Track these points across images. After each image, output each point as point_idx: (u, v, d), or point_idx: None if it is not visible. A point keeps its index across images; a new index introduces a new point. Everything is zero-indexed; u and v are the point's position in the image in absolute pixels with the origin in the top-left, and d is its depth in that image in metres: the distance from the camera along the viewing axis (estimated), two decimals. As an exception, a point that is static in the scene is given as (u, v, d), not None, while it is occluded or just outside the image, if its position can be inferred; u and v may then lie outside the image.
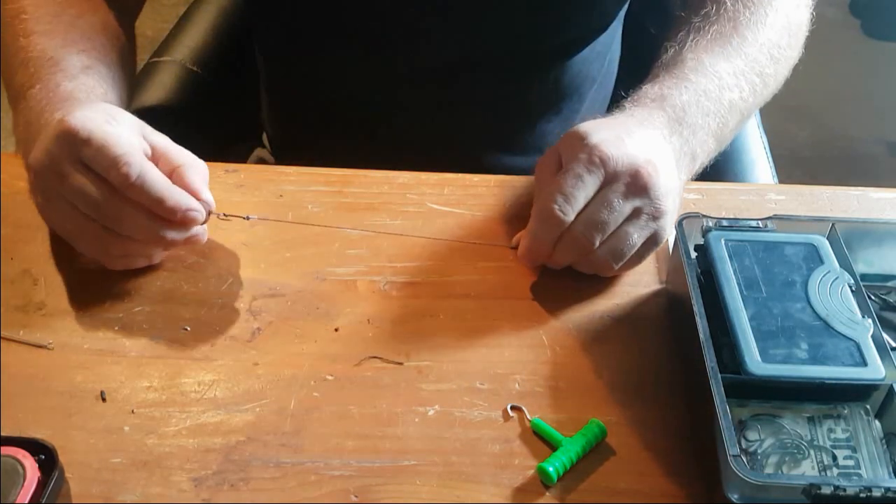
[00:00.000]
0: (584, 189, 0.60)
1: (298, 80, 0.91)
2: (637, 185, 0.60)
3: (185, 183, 0.60)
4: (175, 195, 0.59)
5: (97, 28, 0.73)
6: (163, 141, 0.62)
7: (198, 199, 0.60)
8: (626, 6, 0.86)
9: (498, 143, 0.88)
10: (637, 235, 0.61)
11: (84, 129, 0.58)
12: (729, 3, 0.74)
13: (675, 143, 0.65)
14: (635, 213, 0.61)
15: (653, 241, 0.63)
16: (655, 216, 0.61)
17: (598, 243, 0.61)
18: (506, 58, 0.83)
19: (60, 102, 0.64)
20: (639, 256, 0.63)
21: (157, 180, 0.59)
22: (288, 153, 0.99)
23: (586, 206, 0.60)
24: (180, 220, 0.59)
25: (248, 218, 0.65)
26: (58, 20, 0.71)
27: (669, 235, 0.64)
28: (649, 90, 0.68)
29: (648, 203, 0.61)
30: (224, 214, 0.65)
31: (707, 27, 0.73)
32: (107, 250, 0.62)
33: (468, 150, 0.86)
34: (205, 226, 0.62)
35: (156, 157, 0.61)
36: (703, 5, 0.75)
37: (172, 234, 0.61)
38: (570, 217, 0.60)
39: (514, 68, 0.84)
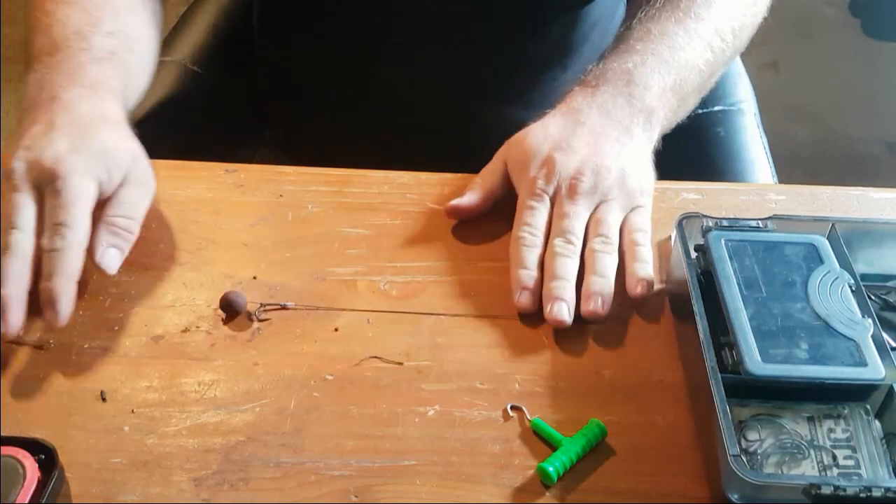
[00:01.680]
0: (540, 214, 0.65)
1: (297, 80, 0.91)
2: (585, 188, 0.65)
3: (92, 236, 0.60)
4: (64, 287, 0.58)
5: (130, 7, 0.73)
6: (133, 181, 0.63)
7: (91, 255, 0.60)
8: None
9: (500, 96, 0.88)
10: (612, 216, 0.65)
11: (65, 180, 0.59)
12: None
13: (619, 106, 0.68)
14: (598, 206, 0.65)
15: (637, 218, 0.66)
16: (609, 197, 0.65)
17: (577, 243, 0.63)
18: (509, 7, 0.82)
19: (81, 87, 0.65)
20: (636, 241, 0.65)
21: (68, 266, 0.58)
22: (288, 153, 0.99)
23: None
24: (42, 302, 0.58)
25: (284, 307, 0.63)
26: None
27: (644, 195, 0.67)
28: (594, 70, 0.71)
29: (600, 193, 0.65)
30: (261, 307, 0.63)
31: (656, 8, 0.74)
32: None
33: (468, 103, 0.85)
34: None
35: (114, 194, 0.63)
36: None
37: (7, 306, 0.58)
38: (539, 238, 0.64)
39: (518, 19, 0.83)
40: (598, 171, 0.65)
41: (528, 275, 0.63)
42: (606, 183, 0.65)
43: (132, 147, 0.65)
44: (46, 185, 0.60)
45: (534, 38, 0.84)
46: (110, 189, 0.62)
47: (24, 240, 0.59)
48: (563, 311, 0.61)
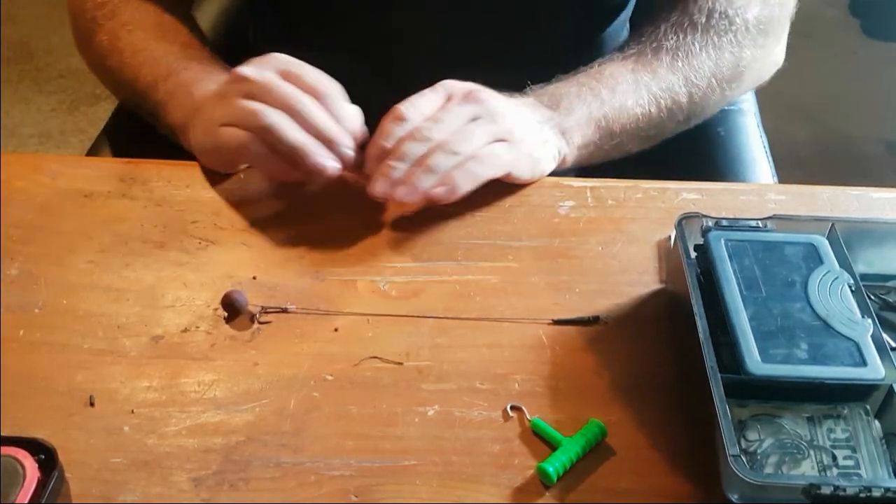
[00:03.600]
0: (428, 97, 0.68)
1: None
2: (473, 97, 0.68)
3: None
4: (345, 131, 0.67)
5: (187, 33, 0.80)
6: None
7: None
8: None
9: None
10: (479, 133, 0.67)
11: (301, 65, 0.69)
12: (663, 29, 0.78)
13: (541, 112, 0.73)
14: (475, 119, 0.68)
15: (502, 148, 0.68)
16: (495, 120, 0.68)
17: (433, 133, 0.65)
18: (508, 51, 0.83)
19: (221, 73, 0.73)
20: (494, 153, 0.68)
21: (356, 115, 0.68)
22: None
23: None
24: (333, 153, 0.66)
25: (285, 310, 0.64)
26: (150, 40, 0.78)
27: (519, 140, 0.69)
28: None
29: (486, 112, 0.68)
30: (262, 310, 0.63)
31: (632, 46, 0.78)
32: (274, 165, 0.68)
33: None
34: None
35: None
36: (644, 29, 0.79)
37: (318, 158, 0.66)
38: (413, 116, 0.66)
39: (520, 61, 0.84)
40: (490, 95, 0.69)
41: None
42: (491, 107, 0.69)
43: None
44: (297, 79, 0.67)
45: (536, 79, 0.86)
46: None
47: (287, 88, 0.68)
48: (383, 189, 0.66)
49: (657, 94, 0.75)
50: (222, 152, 0.69)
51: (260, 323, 0.62)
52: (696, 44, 0.77)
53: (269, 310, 0.63)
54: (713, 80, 0.78)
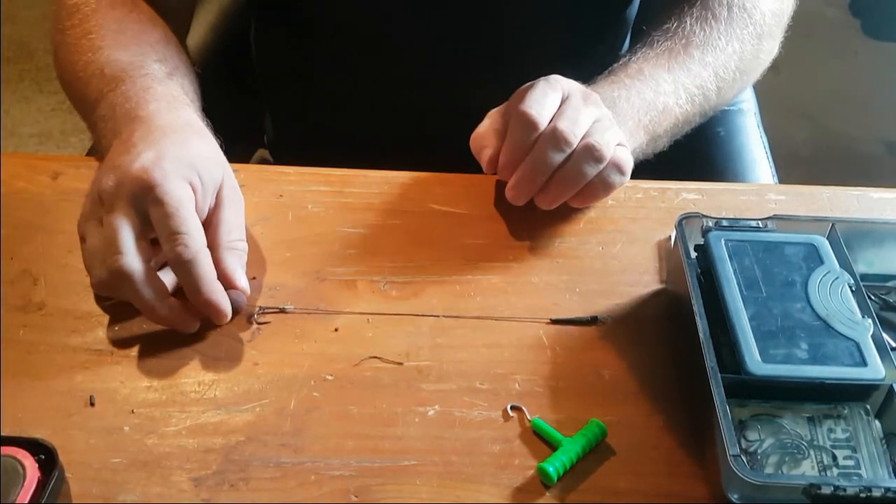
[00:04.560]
0: (550, 100, 0.65)
1: (297, 80, 0.91)
2: (590, 98, 0.67)
3: (220, 263, 0.59)
4: (215, 293, 0.58)
5: (161, 41, 0.74)
6: (227, 214, 0.61)
7: (232, 284, 0.60)
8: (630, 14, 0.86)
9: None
10: (609, 134, 0.65)
11: (165, 188, 0.57)
12: (689, 23, 0.78)
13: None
14: (598, 120, 0.66)
15: (625, 153, 0.67)
16: (613, 123, 0.67)
17: (575, 139, 0.64)
18: (508, 59, 0.83)
19: (157, 102, 0.65)
20: (623, 169, 0.66)
21: (205, 272, 0.58)
22: (288, 153, 0.99)
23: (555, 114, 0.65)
24: (207, 314, 0.59)
25: (283, 310, 0.63)
26: (122, 36, 0.72)
27: (629, 163, 0.67)
28: (594, 86, 0.73)
29: (605, 115, 0.67)
30: (260, 310, 0.63)
31: (661, 41, 0.78)
32: (110, 289, 0.60)
33: (473, 117, 0.86)
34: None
35: (213, 216, 0.61)
36: (666, 21, 0.79)
37: (180, 317, 0.59)
38: (545, 118, 0.64)
39: (518, 72, 0.84)
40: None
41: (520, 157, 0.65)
42: (608, 112, 0.68)
43: (220, 158, 0.64)
44: (143, 199, 0.57)
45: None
46: (204, 200, 0.60)
47: (131, 263, 0.56)
48: (525, 198, 0.66)
49: (693, 92, 0.76)
50: None
51: (258, 324, 0.62)
52: (721, 38, 0.78)
53: (266, 310, 0.63)
54: (737, 73, 0.79)
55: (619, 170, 0.66)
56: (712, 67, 0.77)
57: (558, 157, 0.64)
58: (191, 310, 0.59)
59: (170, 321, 0.59)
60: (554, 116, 0.65)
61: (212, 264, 0.58)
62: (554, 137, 0.63)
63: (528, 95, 0.65)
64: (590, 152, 0.64)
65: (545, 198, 0.66)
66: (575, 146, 0.64)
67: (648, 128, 0.73)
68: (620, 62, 0.77)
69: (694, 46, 0.77)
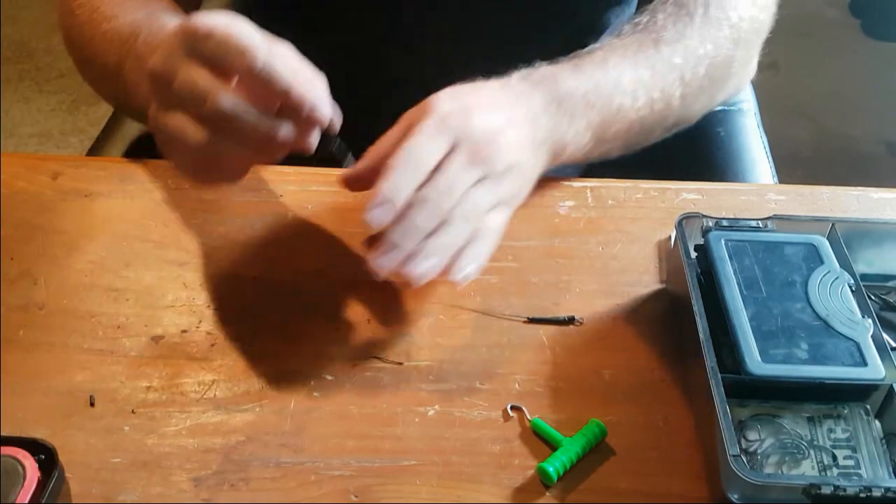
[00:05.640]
0: (428, 156, 0.58)
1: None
2: (478, 156, 0.58)
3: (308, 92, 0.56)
4: (303, 86, 0.55)
5: (169, 4, 0.75)
6: (286, 52, 0.57)
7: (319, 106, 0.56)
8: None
9: None
10: (483, 199, 0.59)
11: (205, 23, 0.54)
12: (661, 19, 0.73)
13: (543, 122, 0.64)
14: (480, 183, 0.59)
15: (500, 217, 0.61)
16: (496, 189, 0.60)
17: (447, 206, 0.57)
18: (509, 44, 0.83)
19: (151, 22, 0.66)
20: (495, 226, 0.60)
21: (286, 68, 0.54)
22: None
23: (432, 173, 0.58)
24: (306, 116, 0.55)
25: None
26: (129, 2, 0.73)
27: (511, 210, 0.62)
28: (542, 68, 0.68)
29: (490, 175, 0.59)
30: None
31: (631, 33, 0.73)
32: (206, 161, 0.58)
33: None
34: (315, 135, 0.57)
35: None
36: (639, 14, 0.75)
37: (286, 132, 0.56)
38: (416, 183, 0.57)
39: (510, 65, 0.84)
40: (497, 150, 0.60)
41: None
42: (495, 169, 0.60)
43: None
44: (193, 43, 0.54)
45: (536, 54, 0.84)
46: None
47: (225, 98, 0.54)
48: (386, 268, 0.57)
49: (653, 97, 0.71)
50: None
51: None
52: (695, 38, 0.73)
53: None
54: (706, 80, 0.74)
55: (486, 240, 0.60)
56: (679, 70, 0.72)
57: (424, 222, 0.57)
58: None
59: (292, 139, 0.56)
60: (426, 181, 0.57)
61: (289, 64, 0.55)
62: (424, 201, 0.57)
63: (406, 147, 0.58)
64: (453, 220, 0.57)
65: (408, 267, 0.57)
66: (443, 215, 0.57)
67: (598, 131, 0.68)
68: (586, 49, 0.72)
69: (664, 43, 0.72)
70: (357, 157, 0.66)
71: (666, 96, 0.71)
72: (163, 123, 0.57)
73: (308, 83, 0.56)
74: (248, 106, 0.55)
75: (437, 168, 0.58)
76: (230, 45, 0.54)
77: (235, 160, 0.58)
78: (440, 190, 0.57)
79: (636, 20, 0.74)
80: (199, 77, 0.54)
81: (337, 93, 0.88)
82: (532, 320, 0.63)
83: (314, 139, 0.58)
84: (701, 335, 0.55)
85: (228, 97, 0.54)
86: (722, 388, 0.52)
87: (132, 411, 0.57)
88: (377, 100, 0.87)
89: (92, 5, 0.74)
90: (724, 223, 0.63)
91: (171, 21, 0.67)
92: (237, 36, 0.54)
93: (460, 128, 0.59)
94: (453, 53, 0.82)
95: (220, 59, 0.54)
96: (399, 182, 0.56)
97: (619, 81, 0.69)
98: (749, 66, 0.80)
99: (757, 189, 0.78)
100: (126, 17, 0.71)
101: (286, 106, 0.55)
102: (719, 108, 0.93)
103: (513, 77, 0.67)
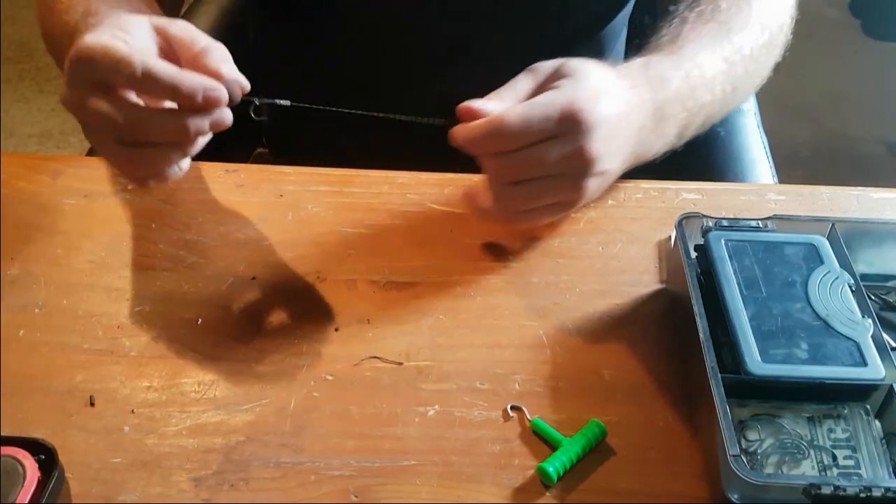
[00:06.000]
0: (542, 133, 0.58)
1: (297, 76, 0.91)
2: (580, 158, 0.59)
3: (205, 68, 0.58)
4: (188, 79, 0.56)
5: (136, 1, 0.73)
6: (180, 30, 0.60)
7: (219, 79, 0.58)
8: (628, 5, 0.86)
9: None
10: (551, 195, 0.61)
11: (86, 49, 0.57)
12: (724, 7, 0.74)
13: (646, 132, 0.65)
14: (561, 176, 0.60)
15: (562, 206, 0.62)
16: (575, 189, 0.61)
17: (520, 177, 0.60)
18: (507, 47, 0.83)
19: (97, 15, 0.64)
20: (536, 214, 0.62)
21: (165, 69, 0.56)
22: (287, 151, 0.99)
23: (536, 144, 0.59)
24: (203, 103, 0.57)
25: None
26: None
27: (577, 207, 0.63)
28: (657, 65, 0.67)
29: (577, 177, 0.60)
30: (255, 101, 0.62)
31: (703, 23, 0.72)
32: (139, 168, 0.61)
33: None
34: (226, 108, 0.58)
35: (176, 49, 0.60)
36: (698, 4, 0.75)
37: (197, 122, 0.57)
38: (514, 147, 0.59)
39: (518, 59, 0.84)
40: (601, 157, 0.61)
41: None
42: (589, 172, 0.61)
43: (144, 12, 0.63)
44: (81, 68, 0.57)
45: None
46: (137, 42, 0.58)
47: (122, 111, 0.57)
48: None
49: (726, 90, 0.71)
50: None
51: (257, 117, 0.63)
52: (756, 26, 0.73)
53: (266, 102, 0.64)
54: (761, 68, 0.75)
55: (526, 219, 0.63)
56: (745, 61, 0.72)
57: (493, 180, 0.61)
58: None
59: (206, 126, 0.58)
60: (536, 145, 0.59)
61: (168, 64, 0.57)
62: (500, 168, 0.60)
63: (531, 112, 0.59)
64: (514, 200, 0.61)
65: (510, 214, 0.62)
66: (515, 183, 0.60)
67: (682, 130, 0.69)
68: (665, 38, 0.72)
69: (734, 33, 0.72)
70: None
71: (734, 88, 0.72)
72: (90, 140, 0.61)
73: (189, 77, 0.57)
74: (150, 115, 0.58)
75: (541, 141, 0.59)
76: (108, 63, 0.57)
77: (160, 160, 0.61)
78: (531, 163, 0.59)
79: (697, 8, 0.74)
80: (98, 105, 0.58)
81: (336, 90, 0.88)
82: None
83: (226, 115, 0.58)
84: (701, 335, 0.55)
85: (129, 113, 0.57)
86: (722, 388, 0.52)
87: (132, 411, 0.57)
88: (377, 95, 0.88)
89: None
90: (724, 223, 0.63)
91: (102, 17, 0.65)
92: (111, 52, 0.57)
93: (583, 121, 0.59)
94: (450, 40, 0.82)
95: (107, 79, 0.57)
96: (502, 139, 0.58)
97: (706, 78, 0.69)
98: (779, 54, 0.80)
99: (757, 189, 0.78)
100: (80, 5, 0.69)
101: (182, 100, 0.57)
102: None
103: (634, 68, 0.66)
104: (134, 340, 0.61)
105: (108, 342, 0.61)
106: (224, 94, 0.58)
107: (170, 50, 0.60)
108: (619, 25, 0.91)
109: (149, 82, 0.56)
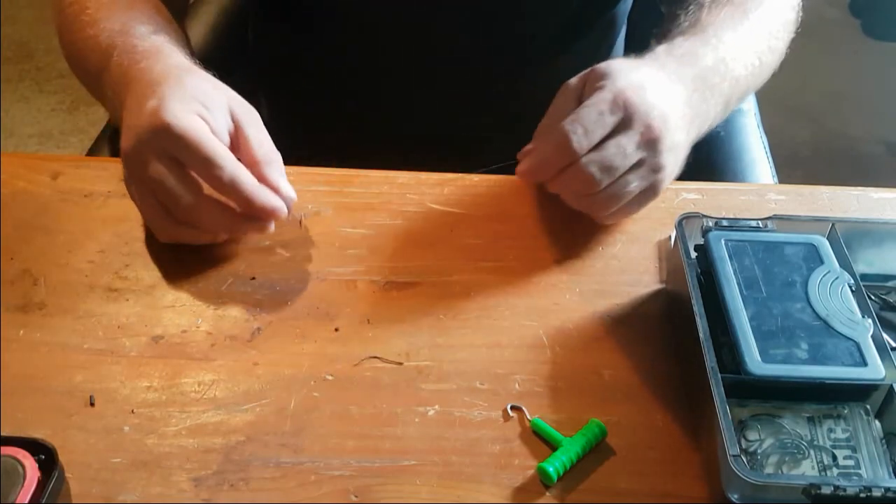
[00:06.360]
0: (602, 126, 0.61)
1: (297, 76, 0.91)
2: (648, 137, 0.62)
3: (263, 177, 0.62)
4: (263, 196, 0.61)
5: (150, 10, 0.74)
6: (250, 126, 0.63)
7: (276, 191, 0.62)
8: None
9: (502, 141, 0.89)
10: (636, 184, 0.63)
11: (178, 126, 0.59)
12: None
13: (695, 100, 0.67)
14: (639, 163, 0.62)
15: (650, 192, 0.65)
16: (655, 169, 0.63)
17: (604, 185, 0.62)
18: (498, 49, 0.83)
19: (143, 56, 0.66)
20: (630, 207, 0.65)
21: (247, 182, 0.60)
22: (287, 150, 0.99)
23: (599, 143, 0.61)
24: (263, 215, 0.62)
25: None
26: (113, 6, 0.73)
27: (662, 189, 0.65)
28: (681, 45, 0.70)
29: (653, 156, 0.62)
30: (304, 215, 0.69)
31: (720, 7, 0.75)
32: (173, 235, 0.64)
33: (468, 150, 0.86)
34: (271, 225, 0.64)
35: (241, 143, 0.63)
36: None
37: (246, 226, 0.63)
38: (584, 150, 0.61)
39: (509, 61, 0.84)
40: (666, 130, 0.63)
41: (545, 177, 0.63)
42: (661, 149, 0.63)
43: (218, 84, 0.65)
44: (164, 144, 0.60)
45: (529, 80, 0.85)
46: (217, 123, 0.62)
47: (185, 194, 0.60)
48: (533, 179, 0.64)
49: (755, 63, 0.73)
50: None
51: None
52: (776, 4, 0.77)
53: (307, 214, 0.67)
54: (780, 43, 0.77)
55: (621, 215, 0.66)
56: (767, 35, 0.75)
57: (575, 192, 0.64)
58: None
59: (249, 224, 0.63)
60: (595, 147, 0.61)
61: (250, 175, 0.61)
62: (580, 175, 0.61)
63: (583, 113, 0.61)
64: (608, 197, 0.63)
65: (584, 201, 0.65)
66: (600, 189, 0.62)
67: (727, 100, 0.71)
68: (688, 21, 0.74)
69: (751, 11, 0.75)
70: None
71: (761, 62, 0.74)
72: (133, 196, 0.64)
73: (264, 195, 0.61)
74: (210, 207, 0.62)
75: (607, 140, 0.61)
76: (196, 153, 0.59)
77: (195, 237, 0.65)
78: (605, 164, 0.61)
79: None
80: (166, 176, 0.60)
81: (336, 90, 0.88)
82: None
83: (270, 226, 0.64)
84: (701, 335, 0.55)
85: (192, 198, 0.61)
86: (722, 388, 0.52)
87: (132, 411, 0.57)
88: (377, 95, 0.88)
89: (80, 5, 0.74)
90: (724, 223, 0.63)
91: (142, 42, 0.68)
92: (203, 145, 0.59)
93: (637, 104, 0.61)
94: (451, 38, 0.82)
95: (186, 162, 0.60)
96: (571, 147, 0.60)
97: (735, 53, 0.71)
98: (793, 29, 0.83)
99: (757, 189, 0.78)
100: (106, 24, 0.71)
101: (249, 210, 0.62)
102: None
103: (659, 53, 0.69)
104: (134, 340, 0.61)
105: (108, 342, 0.61)
106: (285, 214, 0.62)
107: (234, 133, 0.63)
108: (620, 18, 0.91)
109: (228, 188, 0.60)
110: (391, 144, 0.84)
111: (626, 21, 0.93)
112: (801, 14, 0.81)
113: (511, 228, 0.69)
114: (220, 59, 0.99)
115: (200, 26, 1.01)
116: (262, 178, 0.62)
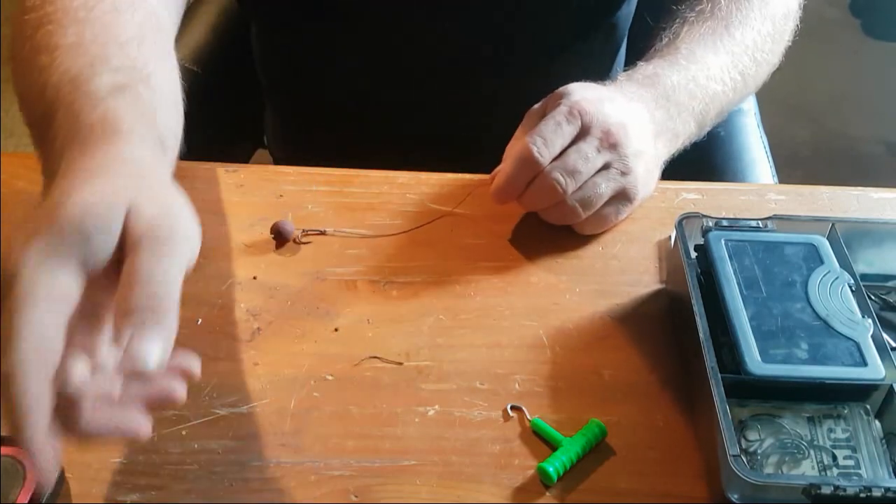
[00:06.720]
0: (560, 136, 0.63)
1: (298, 77, 0.91)
2: (608, 142, 0.64)
3: (132, 342, 0.42)
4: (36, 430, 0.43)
5: (136, 30, 0.58)
6: (152, 245, 0.46)
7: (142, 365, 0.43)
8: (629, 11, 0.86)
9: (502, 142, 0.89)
10: (605, 186, 0.65)
11: (20, 278, 0.41)
12: (723, 3, 0.77)
13: (658, 117, 0.69)
14: (605, 167, 0.65)
15: (622, 197, 0.66)
16: (624, 172, 0.65)
17: (570, 190, 0.64)
18: (498, 50, 0.83)
19: (78, 137, 0.49)
20: (607, 214, 0.67)
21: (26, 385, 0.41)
22: (288, 153, 0.99)
23: (561, 153, 0.64)
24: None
25: (323, 232, 0.68)
26: (86, 29, 0.56)
27: (639, 197, 0.68)
28: (643, 68, 0.72)
29: (618, 159, 0.65)
30: (302, 232, 0.68)
31: (701, 22, 0.77)
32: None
33: (468, 150, 0.86)
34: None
35: (127, 267, 0.45)
36: (699, 2, 0.78)
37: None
38: (546, 160, 0.63)
39: (509, 62, 0.84)
40: (626, 136, 0.65)
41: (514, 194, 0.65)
42: (624, 153, 0.65)
43: (123, 199, 0.45)
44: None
45: (529, 85, 0.85)
46: (97, 262, 0.44)
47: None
48: (504, 200, 0.65)
49: (736, 79, 0.75)
50: None
51: (302, 243, 0.67)
52: (757, 17, 0.77)
53: (309, 232, 0.68)
54: (769, 55, 0.78)
55: (598, 224, 0.68)
56: (751, 50, 0.76)
57: (546, 203, 0.65)
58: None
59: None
60: (558, 156, 0.64)
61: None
62: (545, 183, 0.63)
63: (542, 126, 0.64)
64: (580, 202, 0.65)
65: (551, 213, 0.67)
66: (567, 195, 0.64)
67: (699, 117, 0.73)
68: (665, 41, 0.76)
69: (734, 27, 0.76)
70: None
71: (744, 76, 0.76)
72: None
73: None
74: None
75: (568, 148, 0.64)
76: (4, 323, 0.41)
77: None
78: (568, 169, 0.63)
79: (698, 7, 0.78)
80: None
81: (336, 91, 0.88)
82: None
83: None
84: (701, 335, 0.55)
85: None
86: (722, 388, 0.52)
87: (132, 411, 0.57)
88: (378, 96, 0.88)
89: (43, 14, 0.57)
90: (724, 223, 0.63)
91: (89, 113, 0.50)
92: (15, 322, 0.40)
93: (593, 113, 0.64)
94: (454, 37, 0.82)
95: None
96: (533, 157, 0.63)
97: (710, 70, 0.73)
98: (790, 37, 0.84)
99: (757, 189, 0.78)
100: (66, 59, 0.54)
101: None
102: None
103: (619, 79, 0.71)
104: (134, 340, 0.61)
105: (108, 342, 0.61)
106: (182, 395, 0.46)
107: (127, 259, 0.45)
108: (622, 23, 0.91)
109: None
110: (391, 144, 0.84)
111: (628, 28, 0.93)
112: (797, 21, 0.82)
113: (511, 228, 0.69)
114: (220, 59, 0.99)
115: (200, 26, 1.01)
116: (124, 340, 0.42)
